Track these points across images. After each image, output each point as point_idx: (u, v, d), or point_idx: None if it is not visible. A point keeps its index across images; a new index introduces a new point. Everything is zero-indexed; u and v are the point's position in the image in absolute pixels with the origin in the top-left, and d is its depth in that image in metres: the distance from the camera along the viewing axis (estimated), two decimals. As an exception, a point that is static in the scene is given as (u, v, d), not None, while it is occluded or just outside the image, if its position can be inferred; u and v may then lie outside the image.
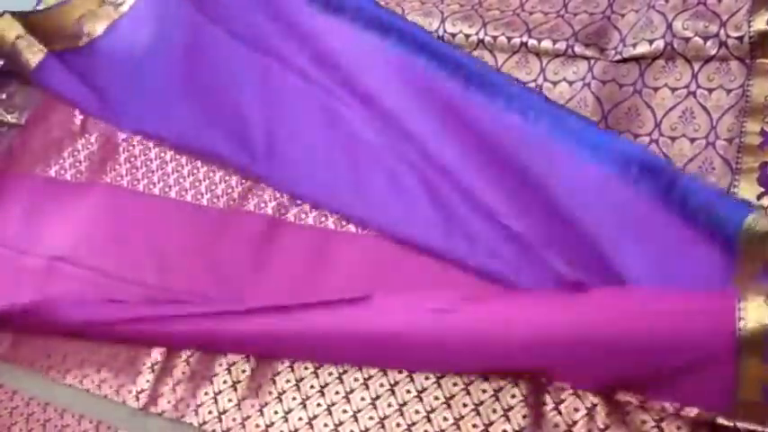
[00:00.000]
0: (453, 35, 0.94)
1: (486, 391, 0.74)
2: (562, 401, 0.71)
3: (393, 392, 0.77)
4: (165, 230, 0.98)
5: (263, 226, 0.93)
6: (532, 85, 0.89)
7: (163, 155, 1.06)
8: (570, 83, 0.88)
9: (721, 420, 0.65)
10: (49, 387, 0.91)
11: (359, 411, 0.77)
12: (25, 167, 1.14)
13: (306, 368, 0.81)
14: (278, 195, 0.94)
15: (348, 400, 0.78)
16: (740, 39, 0.78)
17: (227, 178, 1.00)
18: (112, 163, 1.08)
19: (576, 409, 0.70)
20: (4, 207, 1.09)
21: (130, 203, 1.03)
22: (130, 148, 1.08)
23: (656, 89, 0.82)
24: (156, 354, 0.88)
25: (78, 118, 1.16)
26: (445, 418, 0.74)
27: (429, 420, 0.74)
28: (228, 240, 0.93)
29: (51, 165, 1.12)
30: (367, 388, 0.78)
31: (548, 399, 0.72)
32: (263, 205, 0.94)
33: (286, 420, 0.79)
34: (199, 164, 1.03)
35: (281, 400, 0.80)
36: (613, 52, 0.87)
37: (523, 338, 0.70)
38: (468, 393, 0.74)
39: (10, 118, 1.22)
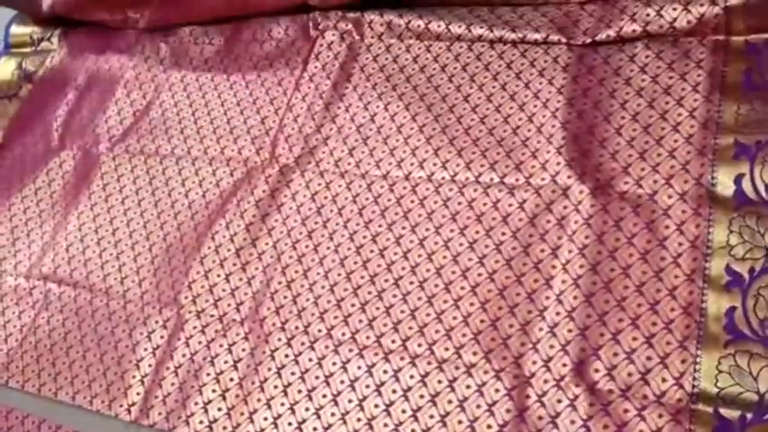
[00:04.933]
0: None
1: (471, 387, 0.74)
2: (545, 393, 0.71)
3: (380, 393, 0.77)
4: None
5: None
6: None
7: (141, 171, 1.07)
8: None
9: (703, 407, 0.66)
10: (42, 405, 0.92)
11: (347, 413, 0.77)
12: (4, 186, 1.14)
13: (293, 374, 0.81)
14: (252, 217, 0.95)
15: (336, 403, 0.78)
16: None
17: (206, 190, 1.00)
18: (92, 178, 1.08)
19: (559, 401, 0.71)
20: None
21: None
22: (111, 162, 1.09)
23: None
24: (146, 366, 0.88)
25: (56, 134, 1.16)
26: (431, 416, 0.74)
27: (416, 419, 0.75)
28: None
29: (31, 182, 1.13)
30: (353, 389, 0.78)
31: (531, 392, 0.72)
32: (239, 224, 0.95)
33: (276, 426, 0.79)
34: (173, 173, 1.03)
35: (269, 407, 0.81)
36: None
37: None
38: (453, 390, 0.75)
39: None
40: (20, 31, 1.37)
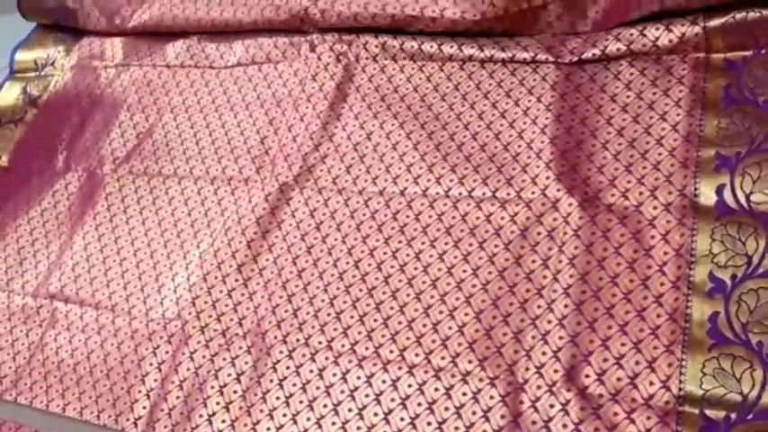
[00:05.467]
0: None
1: (467, 394, 0.77)
2: (538, 399, 0.74)
3: (379, 402, 0.80)
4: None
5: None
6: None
7: (145, 191, 1.10)
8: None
9: (689, 409, 0.69)
10: (51, 421, 0.94)
11: (347, 422, 0.80)
12: (11, 208, 1.17)
13: (294, 385, 0.84)
14: (253, 234, 0.98)
15: (336, 413, 0.81)
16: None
17: (208, 209, 1.04)
18: (96, 199, 1.12)
19: (552, 406, 0.73)
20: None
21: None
22: (115, 183, 1.12)
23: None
24: (151, 381, 0.91)
25: (61, 157, 1.20)
26: (429, 423, 0.77)
27: (414, 427, 0.77)
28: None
29: (38, 204, 1.16)
30: (353, 399, 0.81)
31: (524, 398, 0.75)
32: (240, 241, 0.98)
33: (278, 436, 0.82)
34: (175, 192, 1.07)
35: (272, 417, 0.83)
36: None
37: None
38: (450, 397, 0.77)
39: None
40: (25, 57, 1.41)
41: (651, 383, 0.71)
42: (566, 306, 0.78)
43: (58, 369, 0.98)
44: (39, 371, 0.99)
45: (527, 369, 0.76)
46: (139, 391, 0.91)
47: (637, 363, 0.73)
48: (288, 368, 0.85)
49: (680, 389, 0.70)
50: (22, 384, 0.98)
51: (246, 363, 0.88)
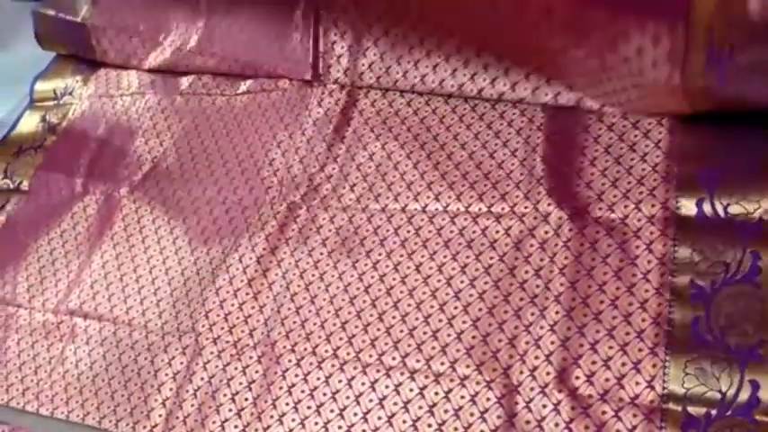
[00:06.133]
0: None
1: (464, 397, 0.82)
2: (531, 400, 0.79)
3: (382, 406, 0.84)
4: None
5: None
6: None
7: (160, 213, 1.16)
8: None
9: (673, 407, 0.73)
10: (71, 430, 0.99)
11: (352, 426, 0.84)
12: (31, 230, 1.23)
13: (302, 391, 0.89)
14: (263, 250, 1.04)
15: (342, 417, 0.85)
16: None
17: (219, 228, 1.09)
18: (114, 220, 1.18)
19: (544, 406, 0.78)
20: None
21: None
22: (132, 205, 1.18)
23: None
24: (167, 390, 0.96)
25: (79, 181, 1.26)
26: (429, 425, 0.81)
27: (416, 429, 0.82)
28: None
29: (57, 225, 1.22)
30: (358, 404, 0.85)
31: (519, 399, 0.79)
32: (251, 257, 1.03)
33: (287, 440, 0.87)
34: (189, 212, 1.13)
35: (281, 422, 0.88)
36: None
37: None
38: (449, 400, 0.82)
39: (12, 185, 1.33)
40: (44, 87, 1.48)
41: (637, 383, 0.76)
42: (557, 313, 0.83)
43: (77, 381, 1.03)
44: (59, 383, 1.04)
45: (521, 372, 0.81)
46: (155, 401, 0.95)
47: (623, 364, 0.77)
48: (296, 376, 0.90)
49: (664, 388, 0.74)
50: (43, 396, 1.03)
51: (257, 371, 0.93)
